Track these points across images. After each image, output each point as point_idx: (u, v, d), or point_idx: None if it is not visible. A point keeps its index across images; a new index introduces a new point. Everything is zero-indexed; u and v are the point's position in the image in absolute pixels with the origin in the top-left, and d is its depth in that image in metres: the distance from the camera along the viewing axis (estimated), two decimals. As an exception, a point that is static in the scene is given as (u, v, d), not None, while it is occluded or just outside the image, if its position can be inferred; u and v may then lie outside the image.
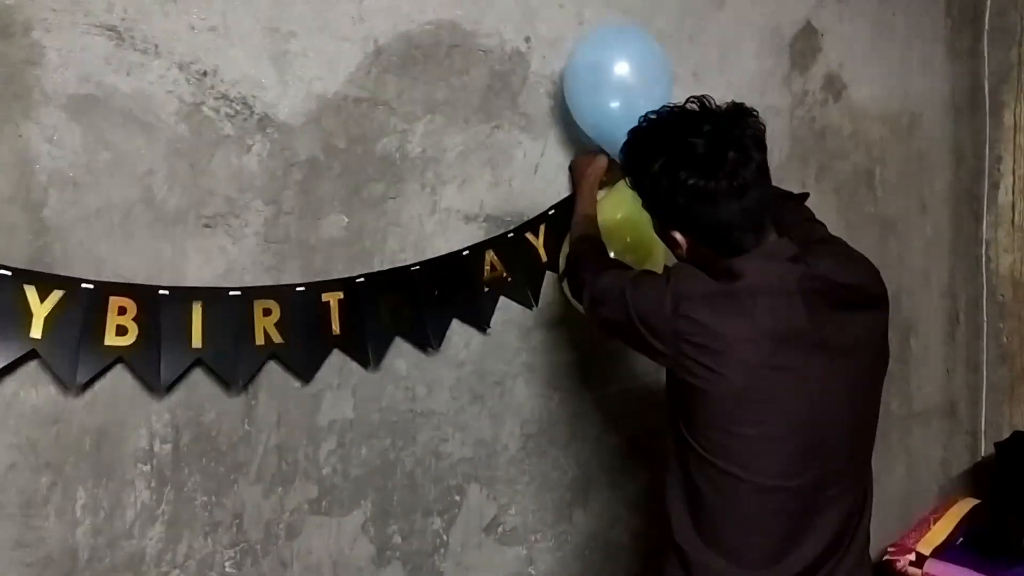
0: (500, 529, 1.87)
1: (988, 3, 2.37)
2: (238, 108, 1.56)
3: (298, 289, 1.61)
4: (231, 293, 1.55)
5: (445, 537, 1.81)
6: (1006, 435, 2.23)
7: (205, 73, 1.52)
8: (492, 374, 1.84)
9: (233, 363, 1.55)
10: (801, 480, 1.33)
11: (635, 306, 1.39)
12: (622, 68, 1.75)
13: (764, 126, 1.35)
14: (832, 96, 2.25)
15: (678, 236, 1.39)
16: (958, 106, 2.43)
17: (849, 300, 1.35)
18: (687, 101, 1.40)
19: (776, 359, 1.31)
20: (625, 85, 1.75)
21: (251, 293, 1.57)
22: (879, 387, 1.42)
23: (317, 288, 1.63)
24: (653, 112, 1.42)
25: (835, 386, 1.34)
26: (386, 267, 1.71)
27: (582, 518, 1.97)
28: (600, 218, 1.74)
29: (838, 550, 1.37)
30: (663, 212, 1.41)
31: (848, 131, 2.28)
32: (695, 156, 1.32)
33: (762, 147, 1.34)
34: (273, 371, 1.61)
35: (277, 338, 1.58)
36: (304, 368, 1.63)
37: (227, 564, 1.59)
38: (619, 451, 1.99)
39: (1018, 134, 2.37)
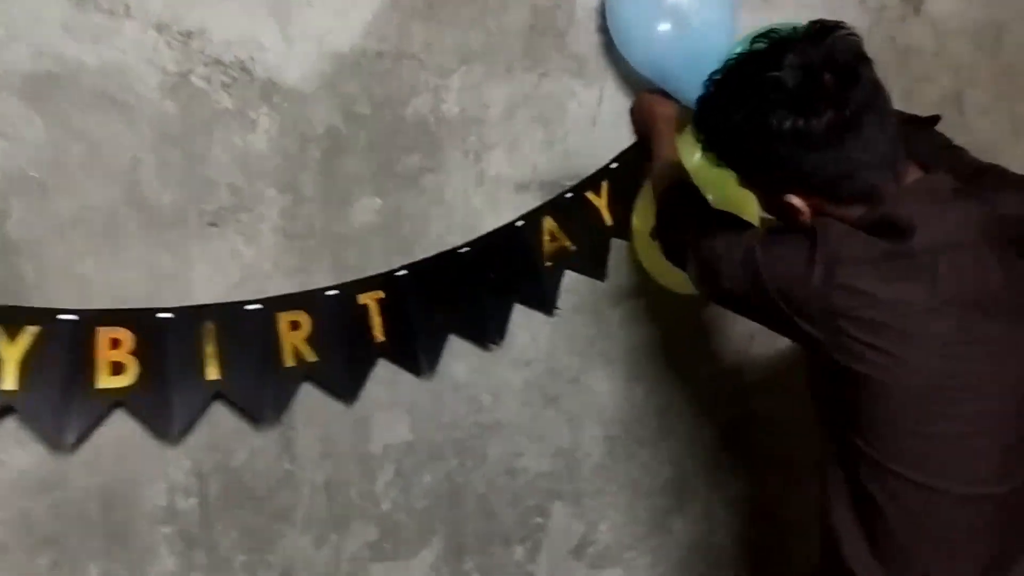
0: (591, 551, 1.59)
1: None
2: (235, 75, 1.26)
3: (329, 293, 1.32)
4: (248, 307, 1.26)
5: (530, 568, 1.53)
6: None
7: (190, 34, 1.22)
8: (566, 370, 1.55)
9: (260, 392, 1.27)
10: (1015, 483, 1.04)
11: (770, 274, 1.07)
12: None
13: (859, 35, 1.05)
14: (911, 11, 1.95)
15: (795, 201, 1.07)
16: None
17: None
18: (752, 43, 1.09)
19: (969, 333, 1.00)
20: (675, 5, 1.44)
21: (273, 305, 1.28)
22: None
23: (351, 289, 1.34)
24: (716, 71, 1.12)
25: None
26: (431, 254, 1.42)
27: (680, 526, 1.68)
28: None
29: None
30: (766, 176, 1.10)
31: (931, 49, 1.99)
32: (784, 93, 1.01)
33: (866, 60, 1.04)
34: (310, 394, 1.33)
35: (311, 356, 1.30)
36: (346, 388, 1.35)
37: (279, 634, 1.31)
38: (715, 444, 1.70)
39: (1121, 34, 2.07)
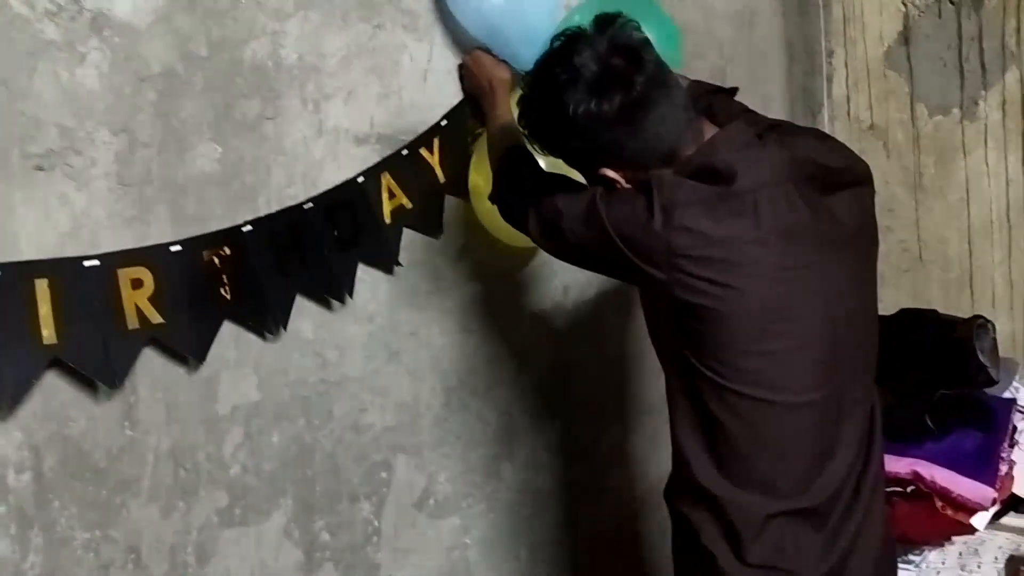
0: (432, 502, 1.61)
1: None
2: (62, 2, 1.13)
3: (173, 249, 1.23)
4: (87, 264, 1.14)
5: (377, 523, 1.52)
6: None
7: (9, -47, 1.08)
8: (405, 324, 1.55)
9: (100, 357, 1.15)
10: (828, 389, 1.21)
11: (614, 224, 1.17)
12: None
13: (636, 23, 1.20)
14: (686, -10, 2.15)
15: (610, 173, 1.20)
16: (788, 1, 2.43)
17: (838, 182, 1.23)
18: (552, 42, 1.23)
19: (788, 259, 1.16)
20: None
21: (113, 260, 1.17)
22: (875, 277, 1.33)
23: (196, 245, 1.26)
24: (529, 71, 1.27)
25: (844, 279, 1.21)
26: (274, 207, 1.36)
27: (509, 472, 1.75)
28: None
29: (864, 456, 1.27)
30: (579, 156, 1.24)
31: (701, 28, 2.20)
32: (580, 81, 1.15)
33: (647, 43, 1.19)
34: (152, 358, 1.23)
35: (154, 317, 1.20)
36: (193, 350, 1.26)
37: (127, 613, 1.21)
38: (537, 391, 1.79)
39: (848, 27, 2.41)
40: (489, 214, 1.53)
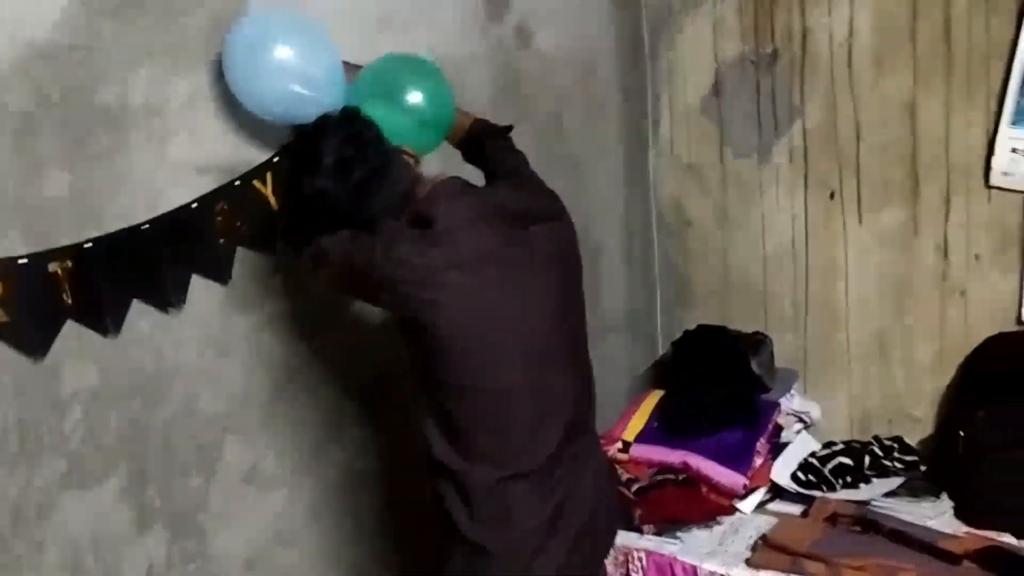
0: (259, 476, 1.89)
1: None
2: (-70, 57, 1.39)
3: (20, 261, 1.50)
4: (-57, 273, 1.41)
5: (206, 492, 1.80)
6: (678, 335, 2.64)
7: None
8: (239, 327, 1.84)
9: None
10: (533, 375, 1.52)
11: (356, 259, 1.53)
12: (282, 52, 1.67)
13: (371, 122, 1.57)
14: (523, 44, 2.46)
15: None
16: (624, 53, 2.76)
17: (525, 219, 1.57)
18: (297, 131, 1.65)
19: (481, 278, 1.50)
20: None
21: (-34, 269, 1.43)
22: (578, 291, 1.66)
23: (42, 259, 1.52)
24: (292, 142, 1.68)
25: (536, 292, 1.54)
26: (118, 227, 1.63)
27: (337, 453, 2.04)
28: None
29: (577, 431, 1.60)
30: (325, 222, 1.59)
31: (538, 76, 2.51)
32: (313, 167, 1.53)
33: (371, 140, 1.55)
34: (3, 349, 1.49)
35: (2, 316, 1.46)
36: (35, 346, 1.53)
37: (-27, 557, 1.47)
38: (363, 387, 2.08)
39: (672, 77, 2.76)
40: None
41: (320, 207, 1.55)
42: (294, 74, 1.68)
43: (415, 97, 1.73)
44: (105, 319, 1.61)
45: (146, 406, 1.70)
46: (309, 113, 1.65)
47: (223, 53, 1.71)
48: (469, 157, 1.85)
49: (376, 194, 1.53)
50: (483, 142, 1.78)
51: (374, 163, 1.52)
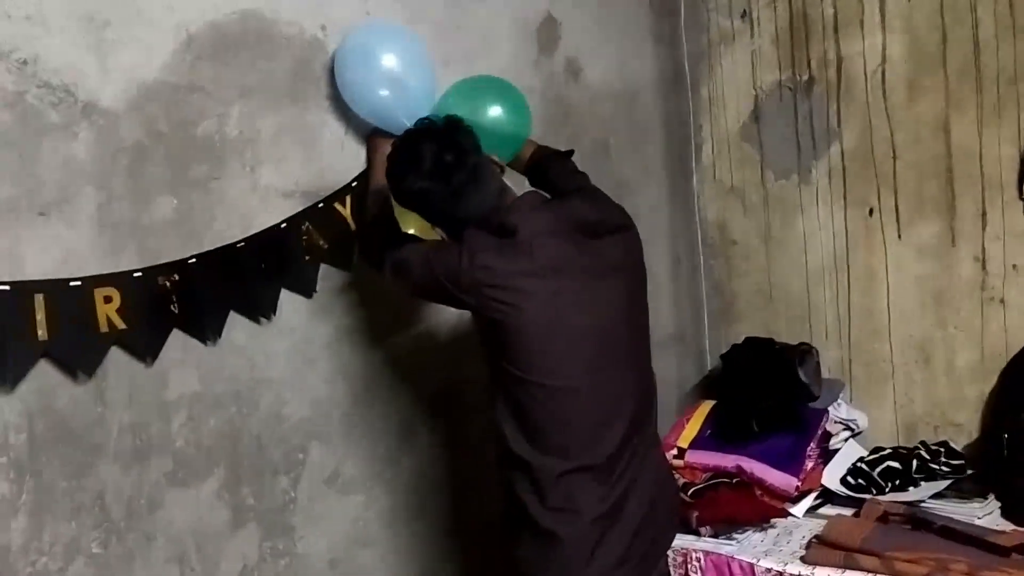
0: (340, 480, 2.03)
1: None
2: (62, 96, 1.57)
3: (135, 275, 1.66)
4: (72, 284, 1.58)
5: (293, 493, 1.93)
6: (725, 349, 2.75)
7: (26, 62, 1.53)
8: (321, 337, 1.99)
9: (79, 352, 1.58)
10: (600, 377, 1.66)
11: (439, 267, 1.68)
12: (388, 60, 1.92)
13: (471, 132, 1.71)
14: (572, 77, 2.62)
15: (439, 231, 1.76)
16: (666, 84, 2.91)
17: (599, 230, 1.71)
18: (416, 124, 1.75)
19: (557, 285, 1.64)
20: (391, 75, 1.93)
21: (91, 282, 1.60)
22: (643, 297, 1.79)
23: (154, 272, 1.69)
24: (399, 140, 1.74)
25: (606, 299, 1.68)
26: (216, 245, 1.79)
27: (408, 461, 2.17)
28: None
29: (639, 428, 1.71)
30: (424, 212, 1.76)
31: (586, 107, 2.67)
32: (419, 167, 1.67)
33: (470, 148, 1.69)
34: (119, 354, 1.65)
35: (120, 324, 1.63)
36: (148, 350, 1.69)
37: (93, 545, 1.62)
38: (434, 396, 2.21)
39: (712, 105, 2.90)
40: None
41: (421, 204, 1.71)
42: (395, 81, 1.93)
43: (497, 111, 1.93)
44: (206, 328, 1.77)
45: (241, 411, 1.84)
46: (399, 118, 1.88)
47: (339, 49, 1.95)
48: (535, 181, 1.99)
49: (471, 197, 1.67)
50: (548, 166, 1.94)
51: (471, 169, 1.67)
